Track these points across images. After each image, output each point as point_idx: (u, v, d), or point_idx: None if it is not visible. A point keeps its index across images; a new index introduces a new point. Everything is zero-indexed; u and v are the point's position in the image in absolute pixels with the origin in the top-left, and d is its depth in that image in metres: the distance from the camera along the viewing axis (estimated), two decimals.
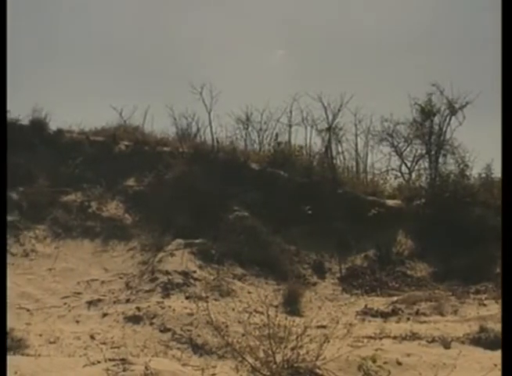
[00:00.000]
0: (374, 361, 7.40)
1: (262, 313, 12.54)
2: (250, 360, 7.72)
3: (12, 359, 8.19)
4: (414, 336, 10.95)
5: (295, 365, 7.55)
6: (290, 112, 23.73)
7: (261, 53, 41.52)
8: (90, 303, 13.62)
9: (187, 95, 22.01)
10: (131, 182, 19.43)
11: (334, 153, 23.48)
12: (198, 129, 24.28)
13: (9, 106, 20.50)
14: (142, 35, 43.38)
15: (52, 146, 20.30)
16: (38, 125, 20.91)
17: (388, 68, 37.21)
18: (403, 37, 40.16)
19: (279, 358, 7.57)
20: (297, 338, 7.93)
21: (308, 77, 34.54)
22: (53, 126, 21.33)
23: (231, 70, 37.69)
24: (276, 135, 23.76)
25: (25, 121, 20.96)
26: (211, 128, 22.23)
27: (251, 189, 18.60)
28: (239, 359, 8.33)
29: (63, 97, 31.85)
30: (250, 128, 24.04)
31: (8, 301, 13.18)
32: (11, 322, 11.90)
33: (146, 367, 7.01)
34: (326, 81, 34.02)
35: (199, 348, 11.13)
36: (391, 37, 40.81)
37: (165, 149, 20.94)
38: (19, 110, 20.94)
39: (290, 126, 23.83)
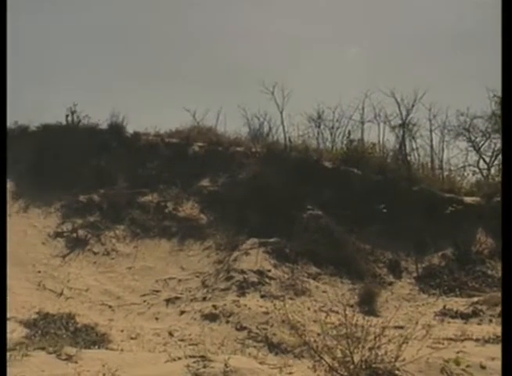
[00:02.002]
0: (457, 364, 7.17)
1: (338, 313, 12.48)
2: (328, 360, 7.67)
3: (98, 353, 8.61)
4: (498, 339, 10.44)
5: (373, 366, 7.44)
6: (363, 109, 23.49)
7: (333, 51, 41.21)
8: (168, 301, 14.01)
9: (259, 95, 22.20)
10: (205, 182, 19.70)
11: (408, 149, 22.99)
12: (270, 129, 24.46)
13: (89, 112, 21.50)
14: (214, 37, 44.08)
15: (129, 148, 20.92)
16: (116, 129, 21.61)
17: (464, 61, 36.02)
18: (479, 28, 38.71)
19: (356, 358, 7.48)
20: (375, 338, 7.81)
21: (381, 74, 34.02)
22: (130, 129, 22.02)
23: (303, 69, 37.63)
24: (349, 132, 23.50)
25: (104, 126, 21.72)
26: (283, 127, 22.31)
27: (325, 188, 18.40)
28: (316, 358, 8.28)
29: (139, 101, 32.86)
30: (322, 127, 23.92)
31: (91, 297, 13.92)
32: (95, 317, 12.54)
33: (225, 364, 7.14)
34: (399, 76, 33.31)
35: (275, 347, 11.22)
36: (465, 30, 39.50)
37: (238, 149, 21.10)
38: (98, 115, 21.81)
39: (363, 123, 23.58)
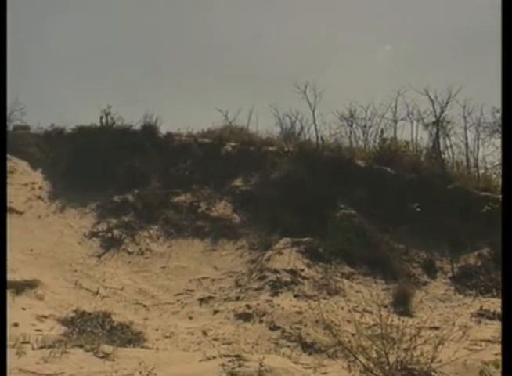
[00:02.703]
0: (497, 366, 7.02)
1: (371, 313, 12.40)
2: (363, 360, 7.62)
3: (133, 351, 8.73)
4: None
5: (409, 367, 7.36)
6: (395, 107, 23.24)
7: (365, 49, 40.92)
8: (201, 300, 14.12)
9: (291, 94, 22.19)
10: (238, 182, 19.79)
11: (442, 147, 22.63)
12: (302, 128, 24.42)
13: (123, 114, 21.79)
14: (245, 37, 44.20)
15: (162, 149, 21.14)
16: (149, 130, 21.86)
17: (499, 56, 35.26)
18: None
19: (392, 359, 7.42)
20: (411, 339, 7.74)
21: (415, 71, 33.59)
22: (163, 130, 22.24)
23: (335, 68, 37.48)
24: (381, 131, 23.30)
25: (137, 127, 21.99)
26: (316, 126, 22.23)
27: (357, 187, 18.25)
28: (350, 358, 8.24)
29: (171, 102, 33.15)
30: (354, 125, 23.75)
31: (126, 296, 14.12)
32: (130, 316, 12.72)
33: (260, 364, 7.17)
34: (433, 73, 32.82)
35: (308, 347, 11.22)
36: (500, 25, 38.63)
37: (270, 148, 21.11)
38: (132, 117, 22.11)
39: (396, 121, 23.33)
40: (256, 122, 24.62)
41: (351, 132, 23.61)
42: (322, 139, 21.59)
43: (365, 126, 23.69)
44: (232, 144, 21.46)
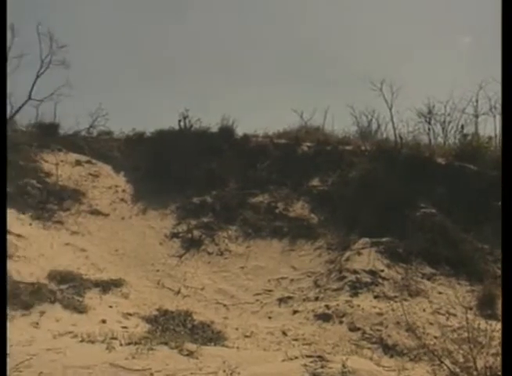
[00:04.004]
0: None
1: (455, 315, 12.02)
2: (448, 364, 7.40)
3: (215, 350, 8.91)
4: None
5: (499, 373, 7.08)
6: (477, 101, 22.52)
7: (444, 42, 39.72)
8: (280, 300, 14.16)
9: (367, 92, 21.92)
10: (315, 182, 19.69)
11: None
12: (379, 126, 24.09)
13: (201, 117, 22.19)
14: (318, 35, 43.99)
15: (239, 150, 21.41)
16: (226, 132, 22.18)
17: None
18: None
19: (480, 364, 7.16)
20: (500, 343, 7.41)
21: (497, 63, 32.19)
22: (240, 132, 22.50)
23: (412, 63, 36.63)
24: (462, 126, 22.62)
25: (214, 129, 22.37)
26: (393, 124, 21.84)
27: (438, 185, 17.75)
28: (435, 362, 8.02)
29: (247, 103, 33.49)
30: (433, 122, 23.14)
31: (206, 296, 14.38)
32: (210, 315, 12.96)
33: (343, 365, 7.12)
34: None
35: (389, 349, 11.02)
36: None
37: (347, 148, 20.91)
38: (209, 119, 22.51)
39: (477, 116, 22.62)
40: (332, 122, 24.54)
41: (429, 129, 23.06)
42: (400, 136, 21.14)
43: (444, 122, 23.11)
44: (309, 144, 21.39)
